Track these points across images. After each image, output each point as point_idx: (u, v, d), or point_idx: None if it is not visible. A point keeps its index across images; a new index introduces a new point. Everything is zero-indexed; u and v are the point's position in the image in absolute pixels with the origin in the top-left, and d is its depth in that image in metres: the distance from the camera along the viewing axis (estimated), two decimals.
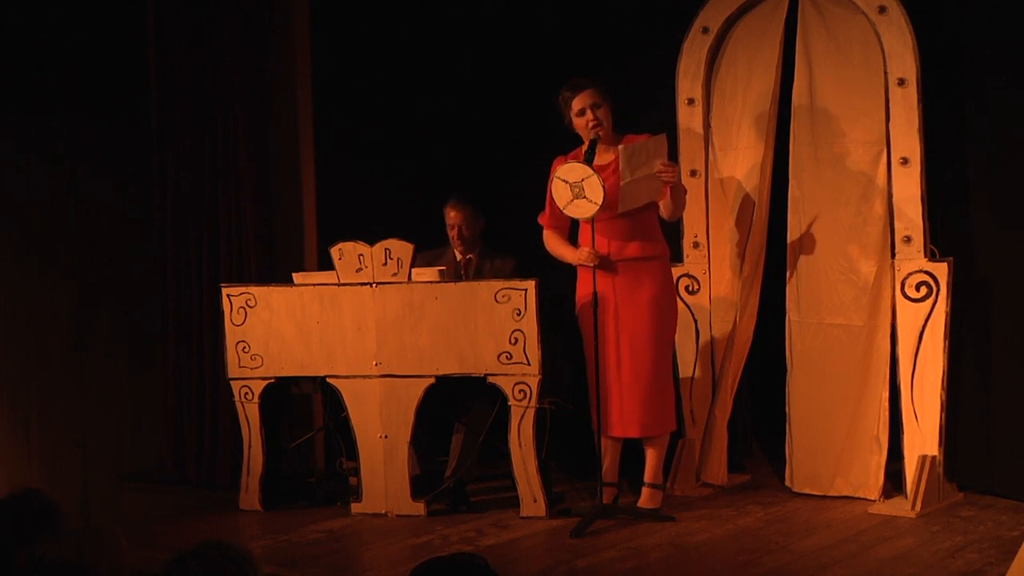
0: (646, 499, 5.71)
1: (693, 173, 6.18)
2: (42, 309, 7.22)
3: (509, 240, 6.50)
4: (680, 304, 6.12)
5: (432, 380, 5.70)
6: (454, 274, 6.15)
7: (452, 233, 6.37)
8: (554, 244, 5.83)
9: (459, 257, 6.38)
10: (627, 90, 5.87)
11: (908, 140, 5.57)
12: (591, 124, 5.61)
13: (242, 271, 6.55)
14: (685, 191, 5.74)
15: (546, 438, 5.62)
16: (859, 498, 5.73)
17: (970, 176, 5.75)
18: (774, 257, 6.11)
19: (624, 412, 5.62)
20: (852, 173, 5.77)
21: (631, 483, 5.84)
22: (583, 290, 5.70)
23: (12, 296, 7.13)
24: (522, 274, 6.07)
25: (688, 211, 6.03)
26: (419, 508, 5.75)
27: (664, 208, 5.67)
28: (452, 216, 6.37)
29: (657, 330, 5.63)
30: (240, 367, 5.99)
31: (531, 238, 5.99)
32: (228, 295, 6.01)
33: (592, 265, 5.51)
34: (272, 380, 5.98)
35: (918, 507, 5.49)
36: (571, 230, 5.84)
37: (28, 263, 7.17)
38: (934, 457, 5.54)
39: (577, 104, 5.63)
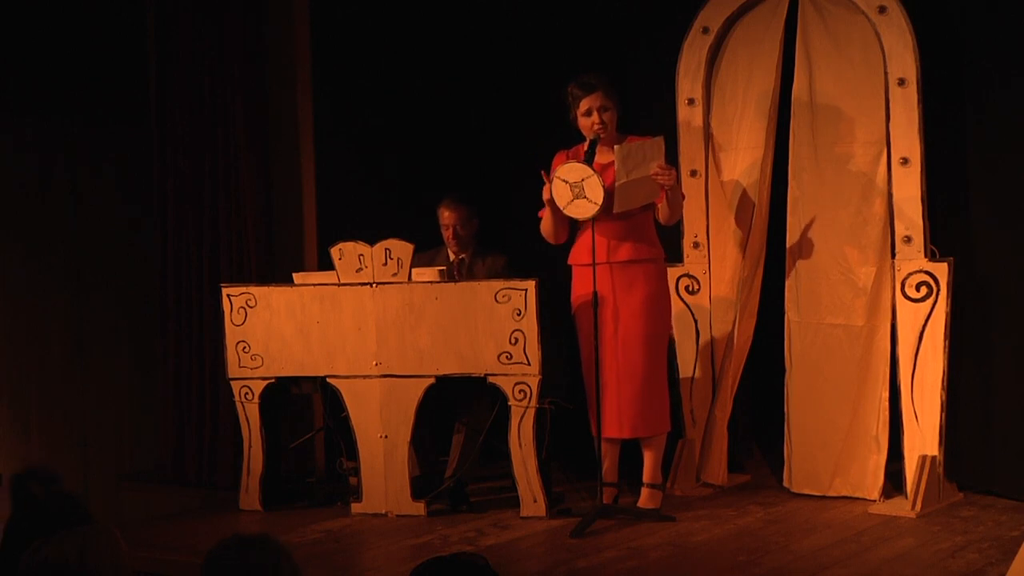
0: (646, 499, 5.71)
1: (693, 173, 6.18)
2: (42, 309, 7.21)
3: (509, 240, 6.49)
4: (680, 304, 6.13)
5: (432, 380, 5.70)
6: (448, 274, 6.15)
7: (447, 233, 6.38)
8: (544, 222, 5.74)
9: (453, 257, 6.38)
10: (627, 90, 5.87)
11: (908, 140, 5.57)
12: (595, 126, 5.60)
13: (242, 271, 6.54)
14: (683, 197, 5.74)
15: (546, 438, 5.62)
16: (859, 498, 5.73)
17: (970, 176, 5.75)
18: (774, 257, 6.10)
19: (615, 413, 5.62)
20: (852, 173, 5.77)
21: (631, 483, 5.84)
22: (579, 290, 5.70)
23: (12, 296, 7.13)
24: (515, 271, 6.07)
25: (688, 211, 6.04)
26: (419, 508, 5.75)
27: (661, 212, 5.66)
28: (447, 216, 6.38)
29: (649, 332, 5.62)
30: (240, 367, 5.99)
31: (531, 238, 5.98)
32: (228, 295, 6.01)
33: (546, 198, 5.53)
34: (272, 380, 5.98)
35: (918, 507, 5.49)
36: (571, 229, 5.84)
37: (28, 263, 7.17)
38: (934, 457, 5.54)
39: (585, 104, 5.62)
